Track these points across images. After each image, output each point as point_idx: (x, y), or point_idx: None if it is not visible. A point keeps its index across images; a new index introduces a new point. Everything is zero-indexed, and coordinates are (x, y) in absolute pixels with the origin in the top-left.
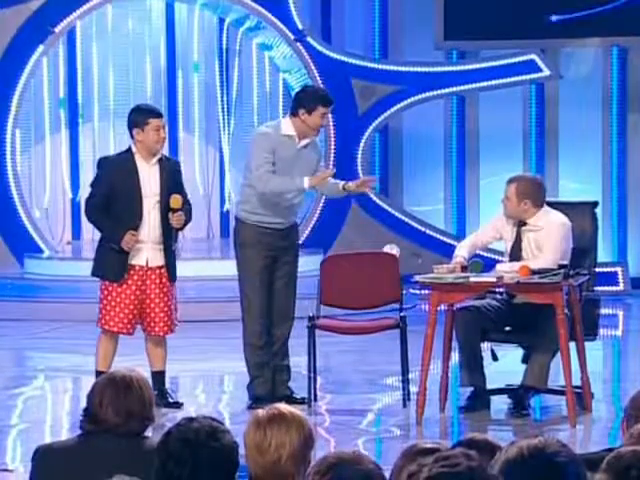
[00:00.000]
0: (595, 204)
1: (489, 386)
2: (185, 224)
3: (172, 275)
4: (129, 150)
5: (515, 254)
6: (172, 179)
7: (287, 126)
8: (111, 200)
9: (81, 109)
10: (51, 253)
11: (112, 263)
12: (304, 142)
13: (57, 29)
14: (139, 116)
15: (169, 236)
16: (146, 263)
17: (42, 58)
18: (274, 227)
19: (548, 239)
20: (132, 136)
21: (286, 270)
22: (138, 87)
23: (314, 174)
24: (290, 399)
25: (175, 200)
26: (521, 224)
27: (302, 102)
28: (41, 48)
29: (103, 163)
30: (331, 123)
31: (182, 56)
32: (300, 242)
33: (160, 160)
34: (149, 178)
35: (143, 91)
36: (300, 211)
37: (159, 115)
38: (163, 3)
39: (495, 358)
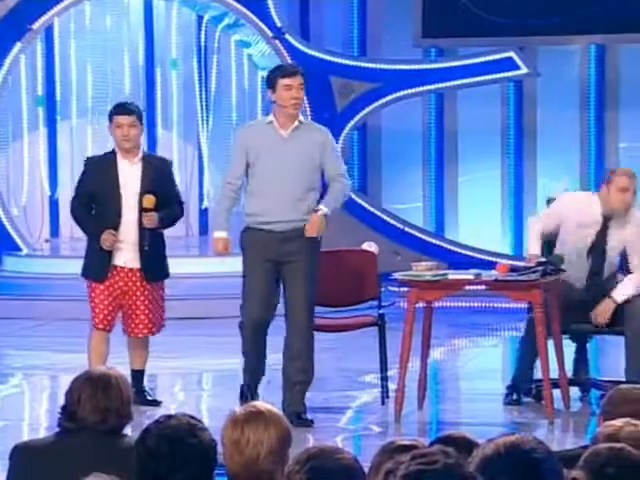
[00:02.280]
0: None
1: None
2: (168, 224)
3: (152, 275)
4: (113, 150)
5: (599, 246)
6: (157, 179)
7: (272, 114)
8: (93, 199)
9: (59, 107)
10: (29, 251)
11: (95, 263)
12: (292, 126)
13: (35, 26)
14: (110, 113)
15: (142, 236)
16: (125, 264)
17: (20, 56)
18: (270, 228)
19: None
20: None
21: (293, 277)
22: (116, 84)
23: (308, 162)
24: (300, 418)
25: (148, 200)
26: (608, 217)
27: (267, 83)
28: (19, 45)
29: (87, 163)
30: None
31: (160, 53)
32: (315, 246)
33: (144, 159)
34: (130, 177)
35: (121, 88)
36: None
37: (124, 112)
38: (141, 0)
39: None
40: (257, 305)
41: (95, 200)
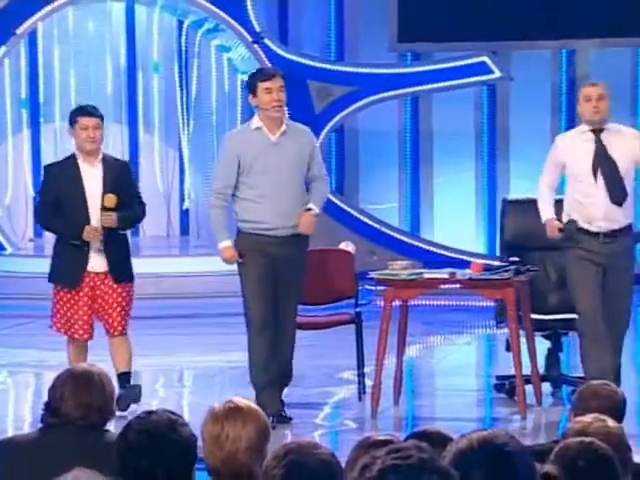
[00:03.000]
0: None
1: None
2: (129, 225)
3: (119, 277)
4: (73, 154)
5: (602, 161)
6: (117, 179)
7: (256, 120)
8: (59, 205)
9: (42, 109)
10: (13, 250)
11: (67, 268)
12: (280, 131)
13: (19, 31)
14: (71, 116)
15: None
16: (92, 268)
17: (4, 59)
18: (269, 234)
19: None
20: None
21: (287, 280)
22: (99, 87)
23: (300, 165)
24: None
25: (108, 199)
26: (597, 132)
27: (248, 89)
28: (3, 49)
29: (47, 170)
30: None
31: (142, 57)
32: (305, 251)
33: (104, 160)
34: (92, 180)
35: (104, 91)
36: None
37: (89, 114)
38: (123, 5)
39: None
40: (262, 305)
41: (61, 205)
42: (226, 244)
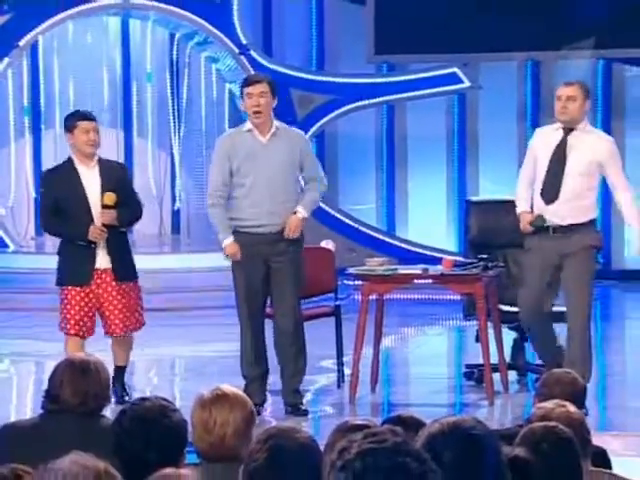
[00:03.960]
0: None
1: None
2: (127, 223)
3: (122, 275)
4: (69, 158)
5: (554, 159)
6: (115, 180)
7: (248, 122)
8: (60, 209)
9: (43, 116)
10: (16, 248)
11: (76, 267)
12: (270, 133)
13: (21, 43)
14: (68, 121)
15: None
16: (99, 266)
17: (7, 70)
18: (260, 231)
19: (612, 160)
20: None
21: (280, 279)
22: (96, 96)
23: (290, 165)
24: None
25: (108, 197)
26: (567, 131)
27: (240, 95)
28: (6, 60)
29: (44, 176)
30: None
31: (136, 68)
32: (298, 249)
33: (100, 162)
34: (91, 181)
35: (100, 100)
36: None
37: (87, 118)
38: (119, 19)
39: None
40: (250, 303)
41: (62, 209)
42: (229, 241)
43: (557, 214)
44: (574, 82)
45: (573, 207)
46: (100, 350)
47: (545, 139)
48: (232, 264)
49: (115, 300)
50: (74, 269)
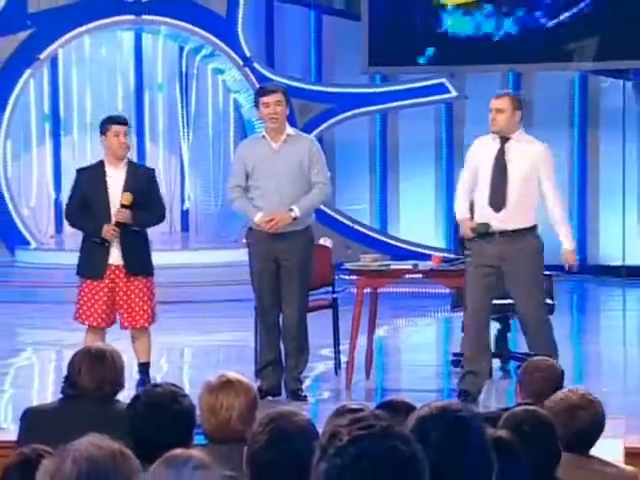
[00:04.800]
0: None
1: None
2: (144, 223)
3: (134, 269)
4: (101, 160)
5: (494, 167)
6: (139, 182)
7: (263, 130)
8: (85, 204)
9: (62, 123)
10: (37, 245)
11: (93, 261)
12: (282, 139)
13: (42, 56)
14: (102, 125)
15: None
16: (113, 262)
17: (29, 80)
18: (270, 232)
19: (544, 165)
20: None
21: (289, 273)
22: (111, 105)
23: (299, 169)
24: (295, 394)
25: (124, 196)
26: (504, 140)
27: (254, 104)
28: (28, 72)
29: (78, 173)
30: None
31: (148, 78)
32: (307, 250)
33: (129, 165)
34: (116, 182)
35: (115, 108)
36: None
37: (119, 122)
38: (132, 34)
39: None
40: (262, 295)
41: (86, 204)
42: (259, 215)
43: (505, 220)
44: (503, 94)
45: (519, 212)
46: (117, 340)
47: (483, 148)
48: (249, 258)
49: (125, 295)
50: (90, 263)
